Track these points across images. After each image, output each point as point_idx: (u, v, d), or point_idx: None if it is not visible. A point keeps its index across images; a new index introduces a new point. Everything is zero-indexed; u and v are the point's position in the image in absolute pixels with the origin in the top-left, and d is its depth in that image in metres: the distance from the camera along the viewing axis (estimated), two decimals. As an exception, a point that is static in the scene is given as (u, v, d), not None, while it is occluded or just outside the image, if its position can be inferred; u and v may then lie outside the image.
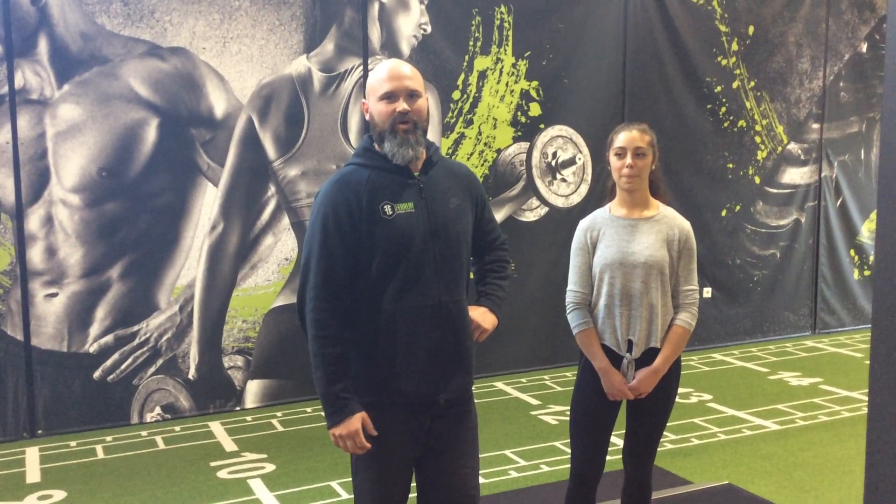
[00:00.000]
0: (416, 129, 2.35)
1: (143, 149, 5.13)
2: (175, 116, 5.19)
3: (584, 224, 2.87)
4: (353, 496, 2.51)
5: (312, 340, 2.30)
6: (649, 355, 2.76)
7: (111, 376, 5.13)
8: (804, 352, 7.06)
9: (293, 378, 5.57)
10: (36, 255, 4.94)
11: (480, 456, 4.33)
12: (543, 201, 6.37)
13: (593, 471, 2.82)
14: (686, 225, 2.83)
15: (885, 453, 0.96)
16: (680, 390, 5.77)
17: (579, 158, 6.50)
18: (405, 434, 2.38)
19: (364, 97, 2.45)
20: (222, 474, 4.36)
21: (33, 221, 4.92)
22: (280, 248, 5.54)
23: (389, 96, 2.34)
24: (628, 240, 2.75)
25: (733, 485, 4.02)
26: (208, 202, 5.32)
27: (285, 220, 5.54)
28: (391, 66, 2.38)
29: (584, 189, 6.53)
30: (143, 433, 5.05)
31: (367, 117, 2.42)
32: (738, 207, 7.24)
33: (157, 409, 5.27)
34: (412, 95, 2.35)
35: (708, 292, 7.12)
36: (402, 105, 2.32)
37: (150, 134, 5.14)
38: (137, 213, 5.14)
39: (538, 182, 6.34)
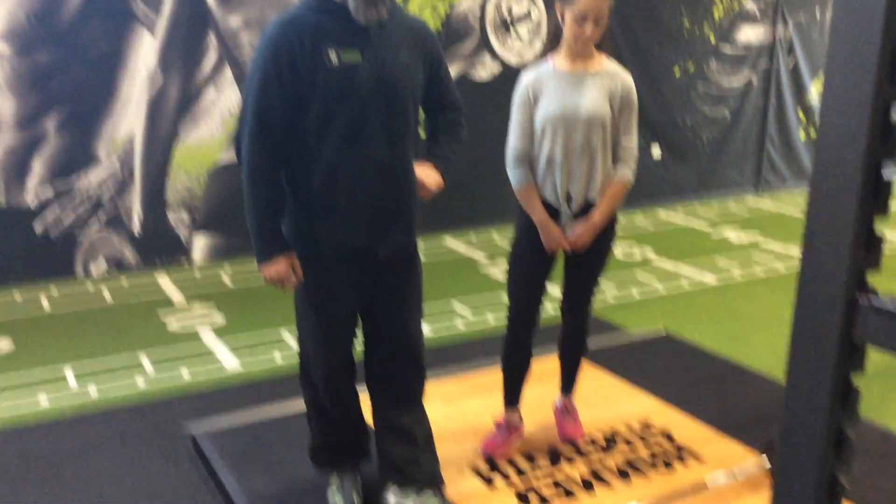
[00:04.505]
0: None
1: (73, -8, 4.84)
2: (106, -43, 4.87)
3: (526, 78, 2.81)
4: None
5: (246, 182, 2.27)
6: (588, 210, 2.78)
7: (53, 230, 5.05)
8: (746, 210, 7.23)
9: (242, 235, 5.54)
10: (-35, 105, 4.72)
11: (429, 310, 4.45)
12: (496, 58, 6.24)
13: (529, 321, 2.89)
14: (628, 79, 2.79)
15: (812, 300, 0.98)
16: (624, 247, 5.93)
17: (534, 14, 6.32)
18: (346, 284, 2.39)
19: None
20: (172, 325, 4.40)
21: (-41, 68, 4.67)
22: (223, 102, 5.38)
23: None
24: (571, 94, 2.71)
25: (670, 334, 4.19)
26: (145, 52, 5.09)
27: (228, 73, 5.35)
28: None
29: (537, 45, 6.39)
30: (90, 286, 5.03)
31: None
32: (691, 67, 7.19)
33: (103, 264, 5.23)
34: None
35: (657, 154, 7.17)
36: None
37: (80, -25, 4.83)
38: (71, 62, 4.90)
39: (491, 37, 6.18)
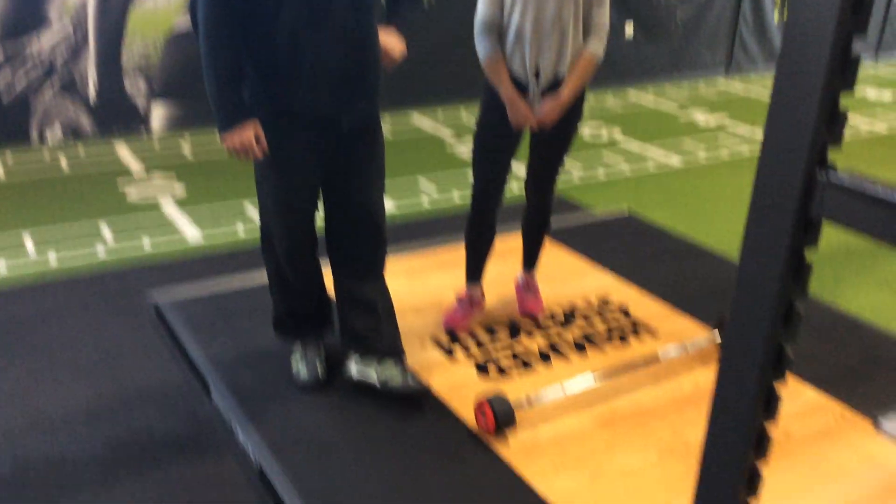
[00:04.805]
0: None
1: None
2: None
3: None
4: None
5: (203, 48, 2.18)
6: (556, 87, 2.73)
7: (5, 95, 4.86)
8: (716, 92, 7.19)
9: (201, 104, 5.38)
10: None
11: (395, 186, 4.42)
12: (468, -78, 5.97)
13: (493, 198, 2.88)
14: (601, -51, 2.69)
15: (772, 173, 0.98)
16: (592, 128, 5.89)
17: None
18: (308, 153, 2.35)
19: None
20: (131, 194, 4.33)
21: None
22: (181, -38, 5.12)
23: None
24: (543, -37, 2.61)
25: (632, 214, 4.23)
26: None
27: (186, -70, 5.07)
28: None
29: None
30: (46, 154, 4.91)
31: None
32: (669, -60, 6.97)
33: (59, 131, 5.08)
34: None
35: (630, 33, 7.03)
36: None
37: None
38: (15, -88, 4.60)
39: None
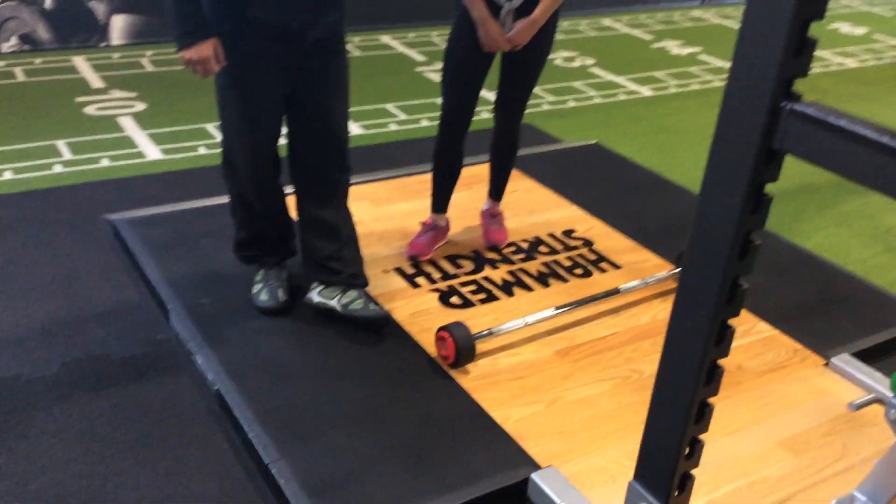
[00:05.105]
0: None
1: None
2: None
3: None
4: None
5: None
6: (528, 9, 2.66)
7: (-45, 1, 4.66)
8: (690, 21, 7.10)
9: (163, 16, 5.20)
10: None
11: (362, 110, 4.33)
12: None
13: (461, 122, 2.83)
14: None
15: (737, 104, 0.95)
16: (564, 54, 5.80)
17: None
18: (272, 66, 2.28)
19: None
20: (90, 110, 4.20)
21: None
22: None
23: None
24: None
25: (601, 145, 4.20)
26: None
27: None
28: None
29: None
30: (1, 64, 4.72)
31: None
32: None
33: (14, 39, 4.88)
34: None
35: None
36: None
37: None
38: None
39: None
